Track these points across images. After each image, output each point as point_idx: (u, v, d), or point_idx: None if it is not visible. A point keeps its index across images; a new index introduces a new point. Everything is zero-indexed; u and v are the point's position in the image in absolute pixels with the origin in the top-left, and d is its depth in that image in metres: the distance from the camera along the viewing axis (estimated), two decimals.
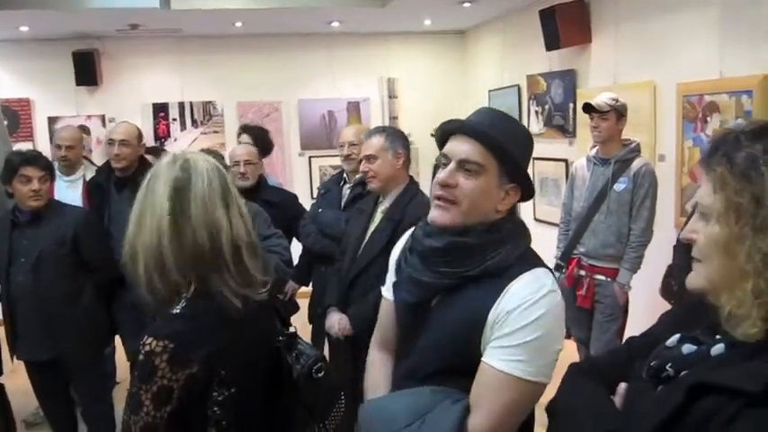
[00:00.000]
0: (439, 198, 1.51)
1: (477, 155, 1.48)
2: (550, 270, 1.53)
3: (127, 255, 1.51)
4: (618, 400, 1.15)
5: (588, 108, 3.75)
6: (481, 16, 6.53)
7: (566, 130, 5.41)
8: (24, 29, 6.04)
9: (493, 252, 1.48)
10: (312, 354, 1.61)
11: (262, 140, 4.55)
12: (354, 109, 7.29)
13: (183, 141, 6.98)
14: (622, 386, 1.16)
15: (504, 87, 6.38)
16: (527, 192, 1.56)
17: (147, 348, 1.39)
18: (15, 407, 3.89)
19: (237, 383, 1.46)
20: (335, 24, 6.55)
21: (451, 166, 1.50)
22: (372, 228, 2.82)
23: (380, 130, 2.97)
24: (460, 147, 1.50)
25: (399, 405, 1.48)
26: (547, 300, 1.42)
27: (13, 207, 3.45)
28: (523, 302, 1.41)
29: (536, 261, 1.52)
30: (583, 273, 3.84)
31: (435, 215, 1.52)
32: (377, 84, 7.30)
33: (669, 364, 1.05)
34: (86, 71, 6.62)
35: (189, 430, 1.44)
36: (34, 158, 3.41)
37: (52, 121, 6.70)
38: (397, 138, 2.88)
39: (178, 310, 1.45)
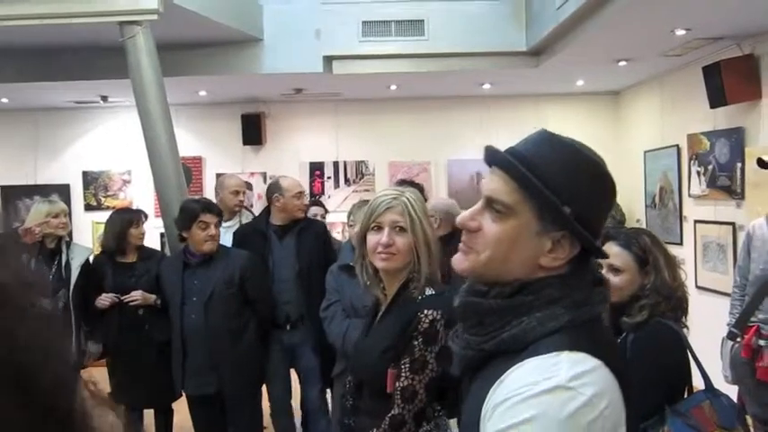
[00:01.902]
0: (462, 241, 1.20)
1: (505, 192, 1.13)
2: (602, 360, 1.05)
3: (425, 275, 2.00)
4: None
5: (762, 164, 3.52)
6: (637, 76, 6.39)
7: (732, 191, 5.08)
8: (202, 93, 6.67)
9: (515, 321, 1.10)
10: None
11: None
12: None
13: (336, 199, 7.29)
14: None
15: (663, 148, 6.14)
16: (588, 245, 1.13)
17: (431, 317, 1.89)
18: None
19: None
20: (487, 86, 6.66)
21: (478, 204, 1.18)
22: None
23: None
24: (492, 182, 1.16)
25: None
26: (544, 400, 0.99)
27: (183, 250, 3.76)
28: (513, 395, 1.01)
29: (577, 343, 1.06)
30: (763, 342, 3.52)
31: (454, 259, 1.20)
32: None
33: None
34: (252, 132, 7.17)
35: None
36: (212, 206, 3.74)
37: (219, 177, 7.25)
38: None
39: (432, 292, 1.97)
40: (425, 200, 4.79)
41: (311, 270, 3.99)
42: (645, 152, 6.48)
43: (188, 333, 3.65)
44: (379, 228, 2.03)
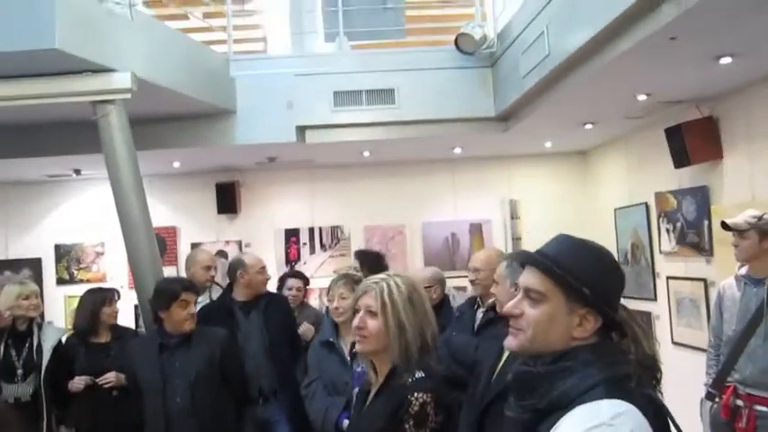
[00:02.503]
0: (510, 325, 1.54)
1: (538, 283, 1.48)
2: (647, 395, 1.41)
3: (401, 355, 2.07)
4: None
5: (726, 227, 3.61)
6: (603, 137, 6.57)
7: (701, 248, 5.19)
8: (176, 164, 6.69)
9: (560, 382, 1.39)
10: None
11: (370, 263, 4.68)
12: (477, 230, 7.38)
13: (313, 264, 7.28)
14: None
15: (632, 206, 6.27)
16: (607, 319, 1.47)
17: (421, 400, 1.92)
18: None
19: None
20: (458, 150, 6.79)
21: (519, 295, 1.54)
22: (507, 353, 2.78)
23: (506, 257, 3.02)
24: (527, 277, 1.52)
25: None
26: None
27: (158, 330, 3.68)
28: None
29: (614, 392, 1.36)
30: (740, 402, 3.54)
31: (506, 341, 1.55)
32: (499, 205, 7.38)
33: None
34: (227, 200, 7.19)
35: None
36: (191, 285, 3.70)
37: (195, 246, 7.22)
38: (515, 268, 2.88)
39: (422, 375, 2.01)
40: (384, 267, 4.82)
41: (280, 343, 4.07)
42: (615, 209, 6.60)
43: (173, 416, 3.54)
44: (357, 311, 2.15)
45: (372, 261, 4.83)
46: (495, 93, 5.77)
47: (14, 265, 7.12)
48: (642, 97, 4.76)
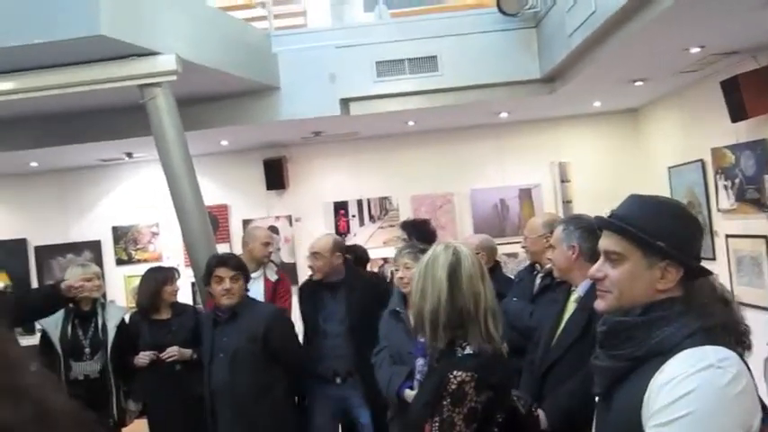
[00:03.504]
0: (597, 288, 1.62)
1: (615, 245, 1.55)
2: (735, 351, 1.44)
3: (415, 316, 2.09)
4: None
5: None
6: (655, 93, 6.37)
7: (762, 204, 5.01)
8: (224, 143, 6.78)
9: (658, 331, 1.45)
10: (527, 396, 2.09)
11: (417, 233, 4.65)
12: (526, 196, 7.28)
13: (362, 236, 7.31)
14: None
15: (686, 163, 6.08)
16: (688, 267, 1.51)
17: (459, 379, 1.88)
18: None
19: (504, 410, 1.93)
20: (504, 115, 6.68)
21: (600, 259, 1.60)
22: (566, 318, 2.76)
23: (562, 221, 2.97)
24: (604, 240, 1.59)
25: None
26: (702, 375, 1.33)
27: (215, 306, 3.79)
28: (675, 377, 1.36)
29: (712, 340, 1.42)
30: None
31: (596, 303, 1.62)
32: (548, 169, 7.26)
33: None
34: (275, 176, 7.25)
35: None
36: (225, 260, 3.75)
37: (246, 223, 7.33)
38: (572, 231, 2.84)
39: (470, 352, 1.97)
40: (431, 234, 4.76)
41: (361, 326, 3.97)
42: (669, 168, 6.42)
43: (215, 390, 3.65)
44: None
45: (419, 230, 4.82)
46: (540, 54, 5.64)
47: (76, 247, 7.43)
48: (695, 50, 4.58)
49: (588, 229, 2.85)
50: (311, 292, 4.31)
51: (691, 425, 1.31)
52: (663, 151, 6.66)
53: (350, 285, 4.17)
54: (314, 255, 4.19)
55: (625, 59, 4.78)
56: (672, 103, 6.40)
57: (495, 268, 4.45)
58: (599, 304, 1.60)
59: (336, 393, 4.16)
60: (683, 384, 1.33)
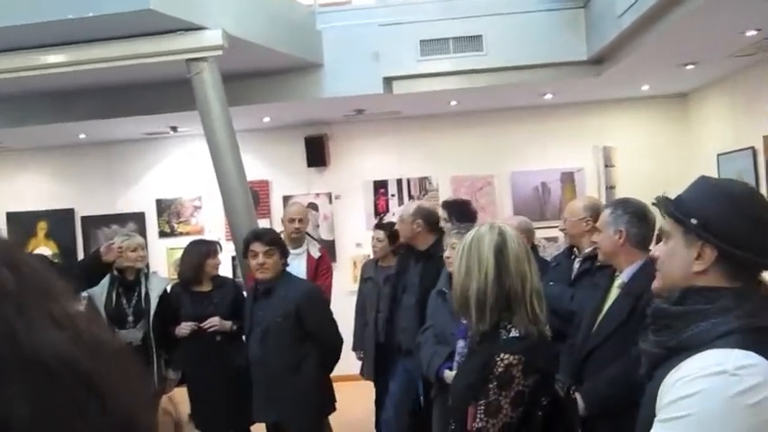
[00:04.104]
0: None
1: (664, 223, 1.58)
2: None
3: (458, 297, 2.04)
4: None
5: None
6: (706, 77, 6.19)
7: None
8: (267, 119, 6.83)
9: (693, 325, 1.38)
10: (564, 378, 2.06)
11: (458, 213, 4.59)
12: (568, 179, 7.18)
13: None
14: None
15: (737, 150, 5.92)
16: (722, 249, 1.41)
17: (506, 362, 1.84)
18: None
19: (548, 393, 1.90)
20: (548, 96, 6.59)
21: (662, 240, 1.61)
22: (609, 303, 2.73)
23: (610, 204, 2.92)
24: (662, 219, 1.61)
25: None
26: (712, 379, 1.26)
27: (254, 280, 3.85)
28: (685, 376, 1.30)
29: (750, 344, 1.30)
30: None
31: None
32: (591, 153, 7.14)
33: None
34: (316, 154, 7.28)
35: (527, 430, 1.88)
36: (260, 235, 3.78)
37: (286, 199, 7.40)
38: (620, 215, 2.79)
39: (516, 335, 1.93)
40: (472, 214, 4.69)
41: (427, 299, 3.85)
42: (718, 155, 6.26)
43: (252, 362, 3.73)
44: None
45: (460, 210, 4.79)
46: (588, 35, 5.53)
47: (121, 218, 7.60)
48: (751, 33, 4.44)
49: (637, 215, 2.80)
50: (402, 260, 4.32)
51: (687, 427, 1.27)
52: (712, 137, 6.50)
53: (430, 256, 4.04)
54: (399, 219, 4.24)
55: (676, 42, 4.66)
56: (723, 88, 6.23)
57: (532, 250, 4.40)
58: (653, 283, 1.60)
59: (405, 365, 4.17)
60: (690, 385, 1.28)
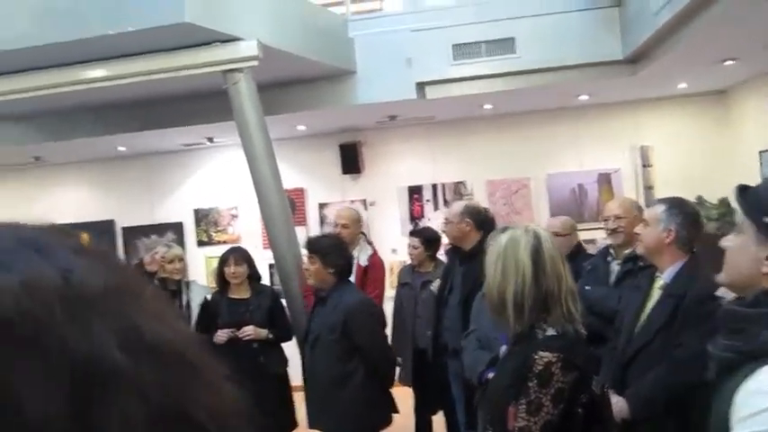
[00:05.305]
0: None
1: (738, 217, 1.51)
2: None
3: (494, 300, 2.04)
4: None
5: None
6: (746, 73, 6.06)
7: None
8: (301, 127, 6.88)
9: (766, 331, 1.30)
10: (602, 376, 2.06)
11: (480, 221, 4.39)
12: (605, 180, 7.09)
13: (436, 221, 7.29)
14: None
15: None
16: None
17: (546, 360, 1.86)
18: None
19: (587, 391, 1.91)
20: (583, 97, 6.52)
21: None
22: (650, 305, 2.69)
23: (666, 201, 2.87)
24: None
25: None
26: None
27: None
28: (759, 388, 1.24)
29: None
30: None
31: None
32: (628, 153, 7.05)
33: None
34: (350, 160, 7.32)
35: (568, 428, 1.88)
36: (307, 241, 3.76)
37: (322, 206, 7.45)
38: (674, 214, 2.74)
39: (553, 333, 1.94)
40: (489, 220, 4.56)
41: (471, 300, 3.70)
42: (760, 152, 6.12)
43: (305, 369, 3.71)
44: None
45: (482, 220, 4.65)
46: (623, 34, 5.46)
47: (160, 228, 7.74)
48: None
49: (691, 217, 2.75)
50: (450, 259, 4.26)
51: None
52: (753, 135, 6.35)
53: (473, 256, 3.82)
54: (445, 220, 4.17)
55: (715, 37, 4.58)
56: (764, 84, 6.09)
57: (577, 249, 4.33)
58: (718, 276, 1.57)
59: (454, 367, 3.99)
60: (760, 400, 1.23)
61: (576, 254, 4.15)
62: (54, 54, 4.32)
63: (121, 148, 7.27)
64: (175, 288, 4.34)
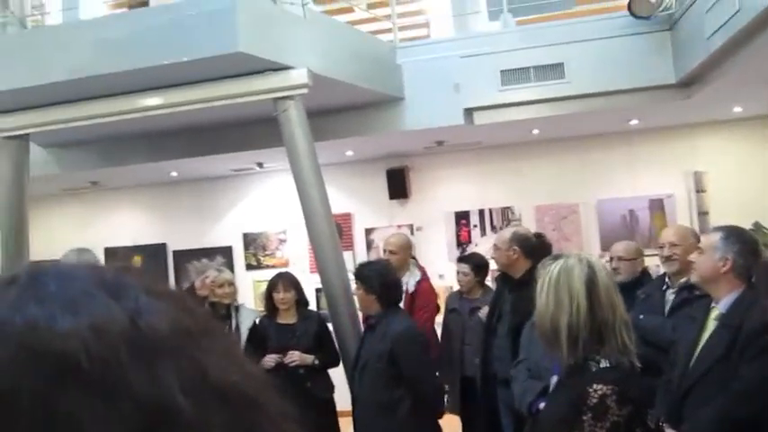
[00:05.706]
0: None
1: None
2: None
3: (546, 330, 2.02)
4: None
5: None
6: None
7: None
8: (349, 153, 6.95)
9: None
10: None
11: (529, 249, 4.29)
12: (657, 206, 6.94)
13: (483, 246, 7.23)
14: None
15: None
16: None
17: (600, 392, 1.83)
18: None
19: (642, 424, 1.89)
20: (634, 122, 6.43)
21: None
22: (705, 335, 2.61)
23: (723, 228, 2.80)
24: None
25: None
26: None
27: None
28: None
29: None
30: None
31: None
32: (682, 178, 6.89)
33: None
34: (398, 185, 7.34)
35: None
36: (358, 269, 3.77)
37: (369, 231, 7.47)
38: (732, 243, 2.67)
39: (607, 365, 1.92)
40: (541, 246, 4.46)
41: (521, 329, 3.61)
42: None
43: (353, 395, 3.71)
44: None
45: (532, 246, 4.58)
46: (675, 57, 5.37)
47: (209, 252, 7.87)
48: None
49: (749, 247, 2.68)
50: (499, 286, 4.23)
51: None
52: None
53: (523, 284, 3.70)
54: (494, 246, 4.15)
55: None
56: None
57: (643, 274, 4.22)
58: None
59: (504, 396, 3.87)
60: None
61: (641, 279, 4.05)
62: (112, 83, 4.47)
63: (174, 174, 7.45)
64: (225, 312, 4.39)
